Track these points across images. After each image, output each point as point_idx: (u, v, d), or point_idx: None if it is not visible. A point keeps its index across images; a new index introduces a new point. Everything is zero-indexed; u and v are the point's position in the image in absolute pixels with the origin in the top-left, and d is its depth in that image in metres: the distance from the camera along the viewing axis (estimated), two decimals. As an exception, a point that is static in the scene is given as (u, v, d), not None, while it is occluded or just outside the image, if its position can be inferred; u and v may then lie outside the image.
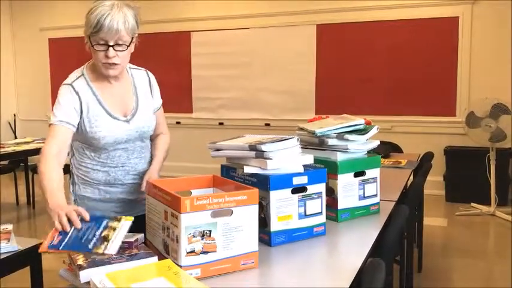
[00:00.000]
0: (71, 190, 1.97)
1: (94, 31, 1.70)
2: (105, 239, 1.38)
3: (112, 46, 1.72)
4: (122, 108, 1.88)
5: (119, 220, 1.48)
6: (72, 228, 1.44)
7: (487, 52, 5.67)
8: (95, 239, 1.38)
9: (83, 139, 1.86)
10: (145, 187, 1.81)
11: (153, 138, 2.05)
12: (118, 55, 1.75)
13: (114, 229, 1.43)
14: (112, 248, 1.36)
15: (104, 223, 1.46)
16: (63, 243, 1.38)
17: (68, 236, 1.41)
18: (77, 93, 1.81)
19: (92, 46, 1.74)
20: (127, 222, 1.46)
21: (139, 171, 1.96)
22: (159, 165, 1.99)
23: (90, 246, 1.36)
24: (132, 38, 1.77)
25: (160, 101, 2.03)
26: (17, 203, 5.72)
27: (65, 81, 1.84)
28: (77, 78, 1.84)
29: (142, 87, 1.95)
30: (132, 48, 1.80)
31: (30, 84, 8.09)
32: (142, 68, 2.00)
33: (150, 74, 2.01)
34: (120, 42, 1.73)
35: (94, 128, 1.81)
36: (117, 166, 1.90)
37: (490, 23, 5.63)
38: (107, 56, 1.74)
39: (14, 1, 8.07)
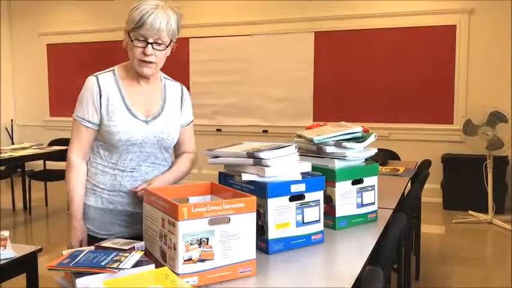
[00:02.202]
0: None
1: (135, 27, 1.71)
2: (118, 260, 1.33)
3: (151, 44, 1.73)
4: (145, 109, 1.84)
5: (129, 252, 1.41)
6: (82, 254, 1.39)
7: (484, 60, 5.70)
8: (106, 261, 1.33)
9: (99, 135, 1.83)
10: (141, 191, 1.78)
11: (177, 155, 2.00)
12: (155, 54, 1.75)
13: (126, 257, 1.36)
14: (127, 264, 1.31)
15: (114, 253, 1.39)
16: (73, 262, 1.33)
17: (77, 259, 1.37)
18: (99, 85, 1.80)
19: (132, 41, 1.74)
20: (137, 254, 1.39)
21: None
22: (171, 178, 1.89)
23: (103, 264, 1.31)
24: (171, 40, 1.78)
25: (191, 118, 2.00)
26: (14, 209, 5.69)
27: (94, 73, 1.85)
28: (105, 72, 1.85)
29: (172, 96, 1.92)
30: (168, 51, 1.80)
31: (28, 90, 8.08)
32: (178, 82, 1.99)
33: (184, 88, 1.99)
34: (160, 42, 1.74)
35: (111, 121, 1.78)
36: (126, 170, 1.83)
37: (487, 31, 5.67)
38: (144, 53, 1.74)
39: (13, 6, 8.07)
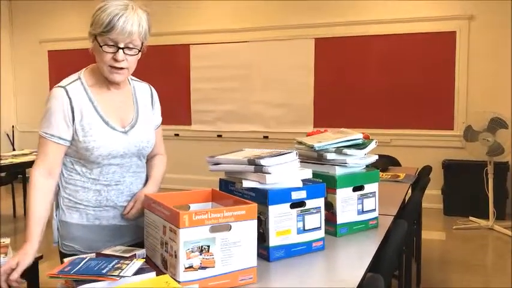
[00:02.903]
0: (54, 215, 1.75)
1: (104, 30, 1.57)
2: (119, 268, 1.33)
3: (122, 49, 1.60)
4: (120, 118, 1.72)
5: (130, 259, 1.41)
6: (83, 262, 1.38)
7: (484, 66, 5.71)
8: (107, 268, 1.33)
9: (73, 151, 1.69)
10: (131, 209, 1.73)
11: (148, 159, 1.89)
12: (127, 59, 1.63)
13: (127, 264, 1.36)
14: (128, 272, 1.31)
15: (115, 261, 1.39)
16: (74, 270, 1.33)
17: (78, 266, 1.36)
18: (69, 98, 1.65)
19: (100, 46, 1.60)
20: (138, 262, 1.39)
21: (134, 193, 1.78)
22: (156, 187, 1.82)
23: (104, 271, 1.31)
24: (142, 43, 1.66)
25: (161, 119, 1.91)
26: (14, 215, 5.69)
27: (58, 84, 1.68)
28: (72, 81, 1.69)
29: (143, 99, 1.82)
30: (139, 55, 1.68)
31: (29, 96, 8.10)
32: (145, 82, 1.88)
33: (152, 88, 1.88)
34: (131, 46, 1.61)
35: (88, 137, 1.64)
36: (110, 184, 1.72)
37: (487, 37, 5.68)
38: (115, 59, 1.61)
39: (14, 13, 8.11)
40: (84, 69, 1.75)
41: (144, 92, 1.85)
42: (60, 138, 1.66)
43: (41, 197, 1.63)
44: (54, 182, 1.69)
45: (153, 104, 1.87)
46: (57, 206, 1.75)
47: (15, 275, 1.50)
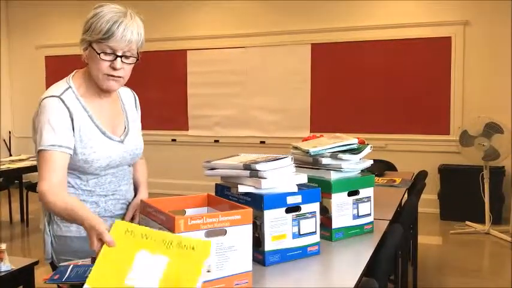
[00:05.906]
0: (47, 230, 1.68)
1: (103, 38, 1.53)
2: None
3: (120, 57, 1.57)
4: (114, 127, 1.71)
5: None
6: (70, 269, 1.38)
7: (479, 72, 5.74)
8: None
9: (70, 164, 1.61)
10: (131, 220, 1.73)
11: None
12: (124, 68, 1.59)
13: None
14: None
15: None
16: (65, 277, 1.34)
17: (68, 273, 1.36)
18: (67, 108, 1.59)
19: (98, 54, 1.55)
20: None
21: (128, 200, 1.79)
22: (147, 192, 1.84)
23: None
24: (138, 50, 1.62)
25: (140, 124, 1.88)
26: (11, 221, 5.67)
27: (49, 93, 1.60)
28: (64, 91, 1.61)
29: (129, 105, 1.81)
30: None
31: (26, 102, 8.08)
32: (127, 87, 1.84)
33: (134, 92, 1.87)
34: (129, 54, 1.59)
35: (87, 148, 1.61)
36: (107, 195, 1.70)
37: (482, 43, 5.72)
38: (113, 68, 1.57)
39: (11, 19, 8.12)
40: (70, 76, 1.68)
41: (129, 97, 1.83)
42: (69, 148, 1.57)
43: (66, 193, 1.54)
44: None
45: (136, 108, 1.85)
46: (49, 221, 1.69)
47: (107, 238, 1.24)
